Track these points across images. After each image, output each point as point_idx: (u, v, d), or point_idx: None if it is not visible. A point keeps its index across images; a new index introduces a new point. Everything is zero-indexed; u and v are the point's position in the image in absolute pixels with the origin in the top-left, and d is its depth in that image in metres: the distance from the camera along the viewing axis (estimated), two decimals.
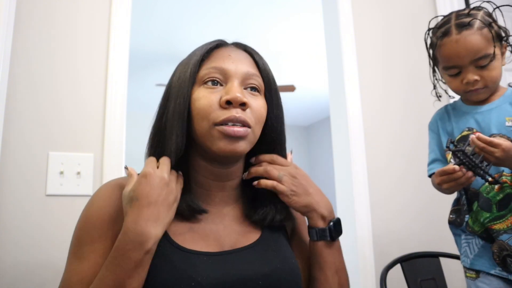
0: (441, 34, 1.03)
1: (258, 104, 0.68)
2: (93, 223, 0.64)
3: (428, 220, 1.64)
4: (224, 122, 0.63)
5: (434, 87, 1.17)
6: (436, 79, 1.15)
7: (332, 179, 1.69)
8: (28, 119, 1.17)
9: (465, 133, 1.03)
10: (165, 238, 0.62)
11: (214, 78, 0.66)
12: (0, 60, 1.10)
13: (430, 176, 1.12)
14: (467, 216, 1.03)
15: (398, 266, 1.27)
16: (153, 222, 0.59)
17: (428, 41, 1.12)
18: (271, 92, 0.72)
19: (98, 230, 0.63)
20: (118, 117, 1.26)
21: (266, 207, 0.72)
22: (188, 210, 0.65)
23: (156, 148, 0.69)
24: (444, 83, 1.14)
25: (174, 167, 0.66)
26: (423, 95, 1.78)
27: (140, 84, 4.27)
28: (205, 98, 0.65)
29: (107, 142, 1.23)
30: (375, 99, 1.69)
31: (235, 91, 0.64)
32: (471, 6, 1.08)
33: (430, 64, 1.15)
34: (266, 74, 0.73)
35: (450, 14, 1.07)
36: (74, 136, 1.21)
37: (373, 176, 1.60)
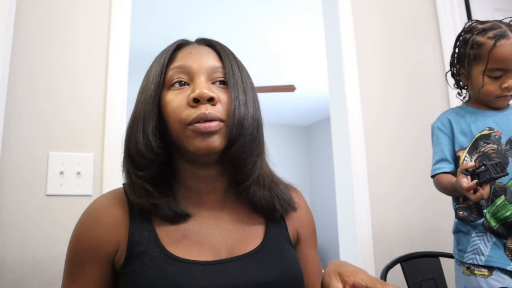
0: (495, 35, 1.03)
1: (226, 97, 0.65)
2: (83, 246, 0.64)
3: (428, 220, 1.64)
4: (195, 121, 0.61)
5: (461, 89, 1.19)
6: (456, 78, 1.17)
7: (332, 179, 1.69)
8: (28, 119, 1.17)
9: (486, 132, 1.07)
10: (159, 248, 0.62)
11: (180, 79, 0.65)
12: (0, 60, 1.10)
13: (433, 176, 1.13)
14: (484, 211, 1.04)
15: (398, 266, 1.27)
16: None
17: (462, 41, 1.13)
18: (235, 78, 0.68)
19: (88, 252, 0.63)
20: (118, 117, 1.26)
21: (271, 199, 0.70)
22: (172, 215, 0.64)
23: (128, 153, 0.66)
24: (460, 86, 1.17)
25: (159, 174, 0.65)
26: (423, 95, 1.78)
27: (140, 84, 4.27)
28: (173, 100, 0.64)
29: (107, 142, 1.23)
30: (375, 99, 1.69)
31: (201, 87, 0.63)
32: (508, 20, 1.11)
33: (454, 64, 1.16)
34: (229, 64, 0.70)
35: (491, 21, 1.10)
36: (74, 136, 1.21)
37: (373, 176, 1.60)
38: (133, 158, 0.64)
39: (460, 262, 1.08)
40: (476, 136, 1.07)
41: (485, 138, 1.06)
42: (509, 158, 1.03)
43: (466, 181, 0.91)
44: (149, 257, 0.61)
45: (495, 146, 1.05)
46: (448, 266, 1.35)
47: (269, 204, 0.70)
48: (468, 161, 1.05)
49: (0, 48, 1.11)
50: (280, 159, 5.92)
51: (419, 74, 1.80)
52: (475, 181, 0.90)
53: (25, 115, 1.17)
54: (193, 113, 0.62)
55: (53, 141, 1.19)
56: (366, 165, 1.59)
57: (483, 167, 0.90)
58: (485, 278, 1.01)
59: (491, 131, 1.07)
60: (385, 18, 1.80)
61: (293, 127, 6.25)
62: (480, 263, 1.02)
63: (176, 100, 0.64)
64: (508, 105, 1.14)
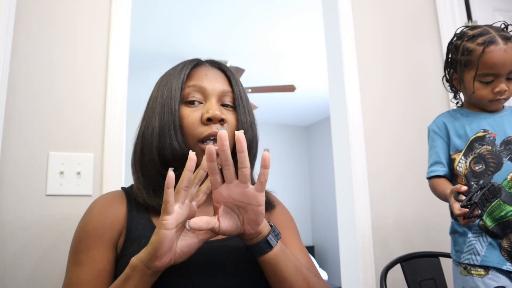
0: (485, 41, 1.05)
1: (233, 118, 0.77)
2: (88, 233, 0.71)
3: (428, 220, 1.64)
4: (207, 138, 0.71)
5: (455, 93, 1.21)
6: (449, 83, 1.20)
7: (332, 179, 1.69)
8: (28, 119, 1.17)
9: (480, 134, 1.09)
10: (148, 223, 0.71)
11: (195, 98, 0.75)
12: (0, 60, 1.10)
13: (429, 178, 1.15)
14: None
15: (398, 266, 1.27)
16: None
17: (453, 47, 1.15)
18: (242, 103, 0.79)
19: (93, 239, 0.70)
20: (118, 117, 1.26)
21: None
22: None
23: (141, 160, 0.76)
24: (454, 91, 1.20)
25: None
26: (423, 95, 1.78)
27: (140, 84, 4.27)
28: (189, 116, 0.73)
29: (107, 142, 1.23)
30: (375, 99, 1.70)
31: (215, 109, 0.72)
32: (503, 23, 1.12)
33: (447, 70, 1.18)
34: (237, 90, 0.79)
35: (481, 26, 1.11)
36: (74, 136, 1.21)
37: (373, 176, 1.60)
38: (167, 163, 0.72)
39: (458, 263, 1.09)
40: (471, 138, 1.09)
41: (480, 140, 1.08)
42: (503, 159, 1.05)
43: (458, 207, 0.93)
44: (146, 238, 0.66)
45: (490, 148, 1.06)
46: (448, 266, 1.35)
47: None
48: (463, 164, 1.08)
49: (0, 48, 1.11)
50: (280, 159, 5.91)
51: (419, 74, 1.80)
52: (466, 210, 0.91)
53: (25, 115, 1.17)
54: (206, 130, 0.72)
55: (53, 141, 1.19)
56: (366, 165, 1.59)
57: (474, 196, 0.91)
58: (481, 277, 1.02)
59: (485, 133, 1.09)
60: (385, 18, 1.80)
61: (293, 127, 6.26)
62: (476, 263, 1.03)
63: (191, 116, 0.73)
64: (503, 107, 1.15)
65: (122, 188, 0.82)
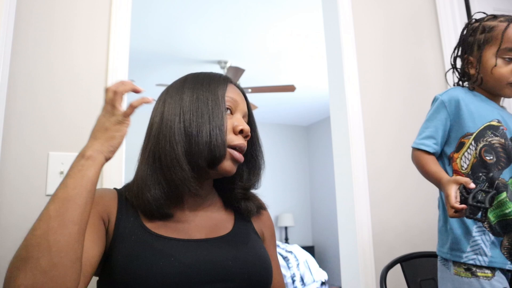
0: (507, 19, 1.06)
1: None
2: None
3: (429, 219, 1.64)
4: (236, 147, 0.78)
5: (467, 79, 1.16)
6: (461, 70, 1.16)
7: (332, 179, 1.69)
8: (28, 119, 1.17)
9: (495, 123, 1.05)
10: (144, 229, 0.73)
11: (229, 107, 0.81)
12: (0, 60, 1.10)
13: (416, 149, 1.09)
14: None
15: (398, 266, 1.27)
16: (92, 141, 0.71)
17: (470, 29, 1.14)
18: (252, 120, 0.89)
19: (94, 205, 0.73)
20: None
21: (245, 201, 0.87)
22: (157, 211, 0.75)
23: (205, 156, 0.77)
24: (464, 79, 1.15)
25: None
26: (423, 95, 1.78)
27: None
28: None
29: None
30: (375, 99, 1.70)
31: (245, 125, 0.80)
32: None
33: (459, 55, 1.16)
34: (252, 113, 0.88)
35: (493, 14, 1.12)
36: (74, 136, 1.21)
37: (373, 176, 1.60)
38: (197, 162, 0.76)
39: (453, 262, 1.02)
40: (485, 124, 1.04)
41: (494, 129, 1.04)
42: None
43: (455, 200, 0.88)
44: (135, 236, 0.72)
45: (503, 140, 1.03)
46: None
47: (250, 208, 0.86)
48: (472, 151, 1.03)
49: (0, 48, 1.11)
50: (280, 159, 5.91)
51: (419, 74, 1.80)
52: (464, 206, 0.86)
53: (25, 115, 1.17)
54: (237, 140, 0.79)
55: (53, 141, 1.19)
56: (366, 165, 1.59)
57: (480, 197, 0.85)
58: (489, 280, 0.96)
59: (499, 124, 1.05)
60: (385, 18, 1.81)
61: (293, 127, 6.25)
62: (483, 264, 0.97)
63: (227, 124, 0.79)
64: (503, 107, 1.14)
65: (114, 188, 0.85)
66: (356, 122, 1.61)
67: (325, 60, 1.82)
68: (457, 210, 0.86)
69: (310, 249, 5.54)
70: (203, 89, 0.80)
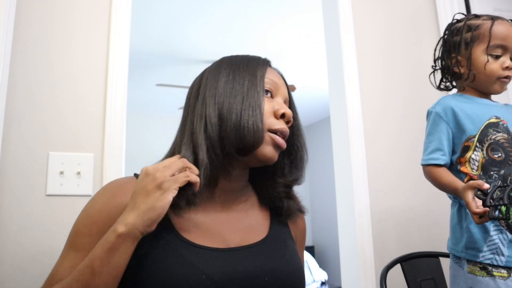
0: (490, 17, 1.07)
1: None
2: (93, 218, 0.67)
3: (428, 219, 1.64)
4: (277, 131, 0.71)
5: (455, 79, 1.16)
6: (447, 71, 1.16)
7: (332, 179, 1.69)
8: (28, 119, 1.17)
9: (494, 120, 1.05)
10: (173, 233, 0.66)
11: (269, 89, 0.74)
12: (0, 60, 1.10)
13: (427, 165, 1.08)
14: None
15: (398, 266, 1.27)
16: (129, 210, 0.62)
17: (454, 30, 1.14)
18: (293, 107, 0.80)
19: (97, 226, 0.66)
20: (118, 117, 1.26)
21: (288, 200, 0.78)
22: (186, 204, 0.67)
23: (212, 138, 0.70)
24: (451, 79, 1.16)
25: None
26: (423, 95, 1.78)
27: (140, 84, 4.27)
28: (263, 105, 0.72)
29: (107, 142, 1.23)
30: (375, 99, 1.69)
31: (287, 109, 0.73)
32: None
33: (446, 55, 1.15)
34: (291, 96, 0.80)
35: (473, 14, 1.14)
36: (74, 136, 1.21)
37: (373, 175, 1.60)
38: (237, 146, 0.69)
39: (467, 261, 1.00)
40: (485, 123, 1.04)
41: (494, 126, 1.03)
42: None
43: (475, 205, 0.85)
44: (164, 240, 0.65)
45: (506, 135, 1.02)
46: (448, 266, 1.35)
47: (292, 210, 0.78)
48: (479, 153, 1.02)
49: (0, 48, 1.10)
50: None
51: (419, 73, 1.80)
52: (486, 209, 0.83)
53: (25, 115, 1.17)
54: (278, 124, 0.71)
55: (53, 141, 1.19)
56: (366, 165, 1.59)
57: (498, 195, 0.82)
58: (504, 279, 0.94)
59: (498, 120, 1.04)
60: (385, 18, 1.80)
61: None
62: (500, 263, 0.95)
63: (266, 106, 0.72)
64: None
65: (136, 175, 0.75)
66: (356, 122, 1.61)
67: (325, 60, 1.82)
68: (481, 215, 0.85)
69: (310, 249, 5.54)
70: (240, 69, 0.74)
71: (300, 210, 0.81)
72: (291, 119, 0.73)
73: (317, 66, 3.97)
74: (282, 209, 0.77)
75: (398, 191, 1.64)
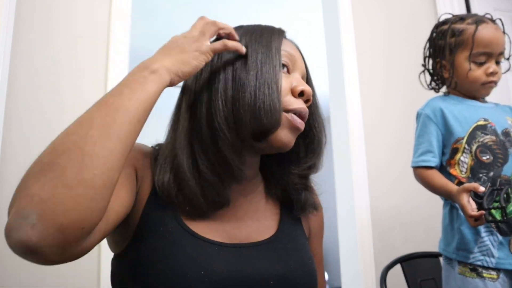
0: (474, 21, 1.04)
1: None
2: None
3: (428, 219, 1.64)
4: (295, 111, 0.60)
5: (441, 82, 1.16)
6: (434, 73, 1.17)
7: (332, 179, 1.69)
8: (28, 119, 1.17)
9: (482, 122, 1.04)
10: (176, 220, 0.58)
11: (286, 63, 0.64)
12: (0, 60, 1.10)
13: (417, 167, 1.07)
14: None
15: (398, 266, 1.27)
16: (162, 56, 0.58)
17: (440, 33, 1.14)
18: (311, 84, 0.70)
19: (130, 158, 0.60)
20: None
21: (306, 192, 0.69)
22: (207, 206, 0.60)
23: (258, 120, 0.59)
24: (439, 82, 1.15)
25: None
26: (423, 94, 1.78)
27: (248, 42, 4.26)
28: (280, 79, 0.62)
29: None
30: (375, 98, 1.70)
31: (306, 85, 0.63)
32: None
33: (433, 59, 1.16)
34: (309, 72, 0.70)
35: (459, 15, 1.11)
36: None
37: (373, 175, 1.60)
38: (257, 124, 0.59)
39: (458, 262, 1.00)
40: (473, 126, 1.03)
41: (482, 128, 1.02)
42: (509, 149, 1.00)
43: (471, 208, 0.86)
44: (165, 227, 0.58)
45: (494, 138, 1.02)
46: None
47: (309, 203, 0.70)
48: (468, 155, 1.01)
49: (0, 48, 1.10)
50: None
51: (419, 73, 1.80)
52: (482, 212, 0.84)
53: (25, 115, 1.17)
54: (296, 103, 0.61)
55: None
56: (366, 165, 1.59)
57: (497, 203, 0.83)
58: (494, 281, 0.94)
59: (486, 122, 1.04)
60: (385, 18, 1.80)
61: None
62: (490, 265, 0.95)
63: (283, 83, 0.62)
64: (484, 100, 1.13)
65: (152, 146, 0.68)
66: (356, 121, 1.61)
67: (325, 60, 1.82)
68: (476, 218, 0.84)
69: None
70: (252, 40, 0.64)
71: (315, 207, 0.72)
72: (311, 97, 0.63)
73: (317, 66, 3.97)
74: (298, 201, 0.68)
75: (398, 191, 1.64)
